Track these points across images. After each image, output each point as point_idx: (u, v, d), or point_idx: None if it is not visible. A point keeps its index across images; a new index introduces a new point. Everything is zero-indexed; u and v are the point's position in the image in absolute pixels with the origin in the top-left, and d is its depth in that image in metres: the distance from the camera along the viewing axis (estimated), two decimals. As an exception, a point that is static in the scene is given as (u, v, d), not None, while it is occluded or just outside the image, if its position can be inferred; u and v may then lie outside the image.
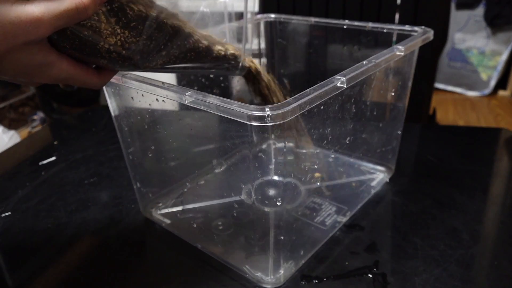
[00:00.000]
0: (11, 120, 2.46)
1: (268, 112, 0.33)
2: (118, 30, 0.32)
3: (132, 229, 0.55)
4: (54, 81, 0.33)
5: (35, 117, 2.48)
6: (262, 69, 0.49)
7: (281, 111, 0.33)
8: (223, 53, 0.42)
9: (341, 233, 0.52)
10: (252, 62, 0.47)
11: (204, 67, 0.42)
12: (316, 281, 0.45)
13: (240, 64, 0.45)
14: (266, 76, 0.49)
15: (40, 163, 0.72)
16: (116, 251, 0.51)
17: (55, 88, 2.01)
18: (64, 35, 0.31)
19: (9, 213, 0.58)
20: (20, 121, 2.48)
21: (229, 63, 0.43)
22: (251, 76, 0.48)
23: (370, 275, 0.46)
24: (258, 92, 0.50)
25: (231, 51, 0.43)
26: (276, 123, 0.33)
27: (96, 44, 0.32)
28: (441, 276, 0.45)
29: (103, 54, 0.33)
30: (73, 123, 0.95)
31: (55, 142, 0.80)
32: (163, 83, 0.40)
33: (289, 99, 0.34)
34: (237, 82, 0.74)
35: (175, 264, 0.49)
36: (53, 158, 0.73)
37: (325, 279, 0.45)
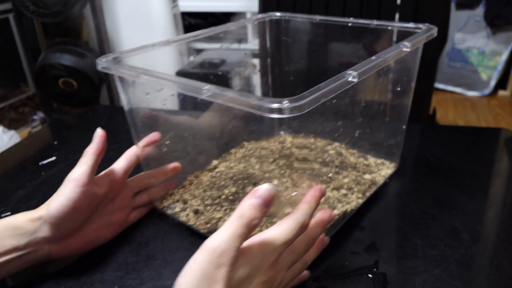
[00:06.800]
0: (11, 120, 2.46)
1: (287, 104, 0.33)
2: None
3: (133, 229, 0.55)
4: None
5: (35, 117, 2.48)
6: None
7: (298, 103, 0.34)
8: None
9: (341, 233, 0.52)
10: None
11: None
12: (316, 281, 0.45)
13: None
14: None
15: (40, 163, 0.72)
16: (116, 251, 0.51)
17: (55, 88, 2.01)
18: None
19: (9, 213, 0.58)
20: (20, 121, 2.48)
21: None
22: None
23: (370, 275, 0.46)
24: None
25: None
26: (293, 115, 0.34)
27: None
28: (441, 276, 0.45)
29: None
30: (73, 123, 0.95)
31: (55, 142, 0.80)
32: (179, 78, 0.40)
33: (304, 93, 0.35)
34: (237, 82, 0.74)
35: (176, 263, 0.49)
36: (53, 158, 0.73)
37: (325, 279, 0.45)
